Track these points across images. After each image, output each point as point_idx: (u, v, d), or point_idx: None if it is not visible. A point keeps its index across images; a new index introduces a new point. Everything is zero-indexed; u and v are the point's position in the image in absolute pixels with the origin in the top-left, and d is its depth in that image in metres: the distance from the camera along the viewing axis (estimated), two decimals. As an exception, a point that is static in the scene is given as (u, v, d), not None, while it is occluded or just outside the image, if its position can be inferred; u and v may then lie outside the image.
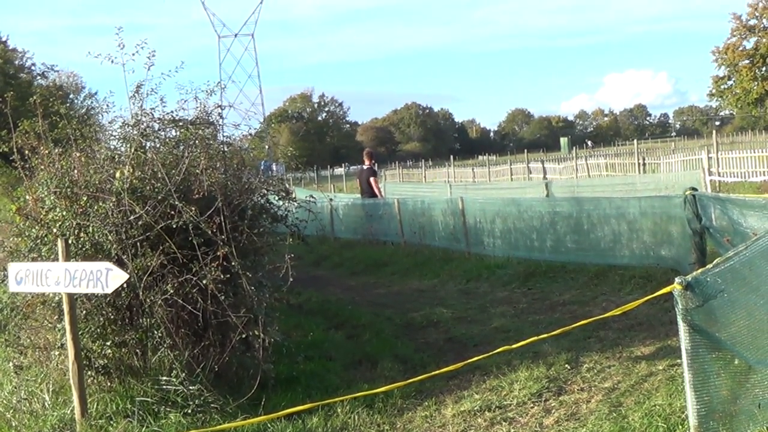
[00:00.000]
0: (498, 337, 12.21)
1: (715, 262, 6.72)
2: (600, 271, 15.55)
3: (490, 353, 8.52)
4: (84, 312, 9.62)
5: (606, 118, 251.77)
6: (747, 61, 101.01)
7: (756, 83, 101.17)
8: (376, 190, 27.02)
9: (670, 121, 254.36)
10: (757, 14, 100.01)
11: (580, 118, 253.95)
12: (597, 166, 52.95)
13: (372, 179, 27.03)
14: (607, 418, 8.12)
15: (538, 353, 10.70)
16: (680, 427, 7.26)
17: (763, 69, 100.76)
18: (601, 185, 34.84)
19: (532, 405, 9.06)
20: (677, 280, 6.45)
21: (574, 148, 79.10)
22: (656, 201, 16.20)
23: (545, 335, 8.53)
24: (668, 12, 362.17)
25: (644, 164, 46.55)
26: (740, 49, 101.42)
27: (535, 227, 18.60)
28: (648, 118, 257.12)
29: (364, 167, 28.14)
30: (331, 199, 28.33)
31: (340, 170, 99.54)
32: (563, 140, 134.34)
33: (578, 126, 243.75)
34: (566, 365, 10.22)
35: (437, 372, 8.83)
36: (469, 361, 8.55)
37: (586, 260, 16.40)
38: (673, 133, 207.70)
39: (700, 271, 6.81)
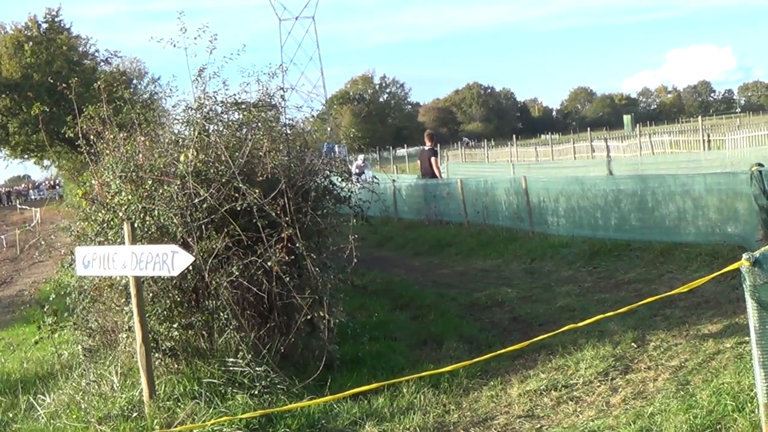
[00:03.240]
0: (563, 316, 12.16)
1: (783, 237, 6.64)
2: (665, 249, 15.39)
3: (556, 332, 8.46)
4: (151, 295, 9.72)
5: (669, 95, 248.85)
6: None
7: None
8: (436, 171, 27.12)
9: (734, 97, 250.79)
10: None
11: (643, 95, 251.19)
12: (661, 144, 52.38)
13: (433, 160, 27.13)
14: (675, 396, 8.05)
15: (604, 332, 10.64)
16: (749, 405, 7.17)
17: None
18: (665, 162, 34.56)
19: (598, 384, 9.02)
20: (745, 256, 6.37)
21: (637, 125, 78.21)
22: (722, 177, 16.02)
23: (611, 313, 8.46)
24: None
25: (709, 141, 45.96)
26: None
27: (599, 205, 18.50)
28: (712, 95, 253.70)
29: (425, 148, 28.28)
30: (394, 180, 28.44)
31: (402, 151, 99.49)
32: (626, 118, 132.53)
33: (641, 103, 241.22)
34: (632, 344, 10.15)
35: (502, 351, 8.77)
36: (535, 340, 8.50)
37: (651, 238, 16.26)
38: (738, 109, 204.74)
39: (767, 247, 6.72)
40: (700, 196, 15.58)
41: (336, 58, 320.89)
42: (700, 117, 65.99)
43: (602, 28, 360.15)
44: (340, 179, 11.75)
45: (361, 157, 38.26)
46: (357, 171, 32.67)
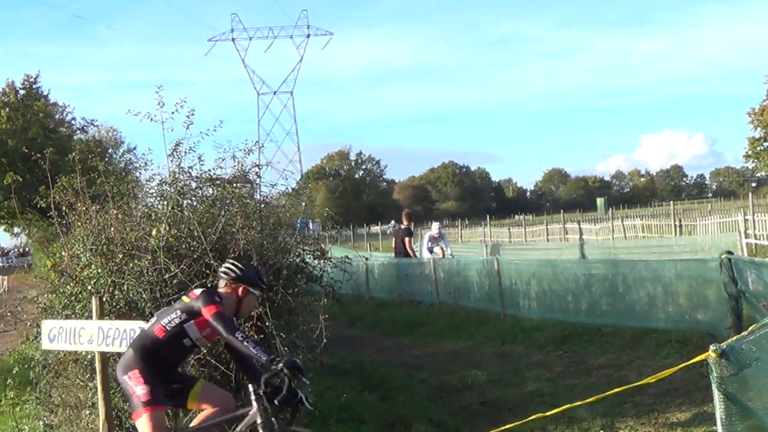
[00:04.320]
0: (533, 401, 12.11)
1: (750, 329, 6.64)
2: (636, 335, 15.40)
3: (524, 420, 8.43)
4: (116, 371, 9.63)
5: (642, 179, 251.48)
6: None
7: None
8: (409, 250, 27.16)
9: (706, 182, 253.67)
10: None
11: (616, 178, 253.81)
12: (633, 227, 52.60)
13: (407, 239, 27.17)
14: (643, 486, 8.01)
15: (573, 418, 10.60)
16: (716, 496, 7.13)
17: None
18: (637, 247, 34.79)
19: (567, 472, 8.97)
20: (712, 347, 6.38)
21: (610, 208, 78.80)
22: (692, 264, 16.11)
23: (580, 402, 8.44)
24: (704, 73, 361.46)
25: (680, 226, 46.29)
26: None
27: (571, 289, 18.50)
28: (684, 179, 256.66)
29: (402, 227, 28.39)
30: (366, 259, 28.35)
31: (376, 228, 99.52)
32: (599, 200, 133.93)
33: (615, 186, 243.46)
34: (601, 431, 10.10)
35: (471, 438, 8.74)
36: (504, 428, 8.46)
37: (621, 323, 16.26)
38: (710, 194, 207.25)
39: (735, 338, 6.74)
40: (670, 282, 15.63)
41: (313, 133, 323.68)
42: (672, 202, 66.55)
43: (577, 111, 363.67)
44: (312, 257, 11.73)
45: (435, 225, 30.94)
46: (430, 245, 28.67)
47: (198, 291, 7.92)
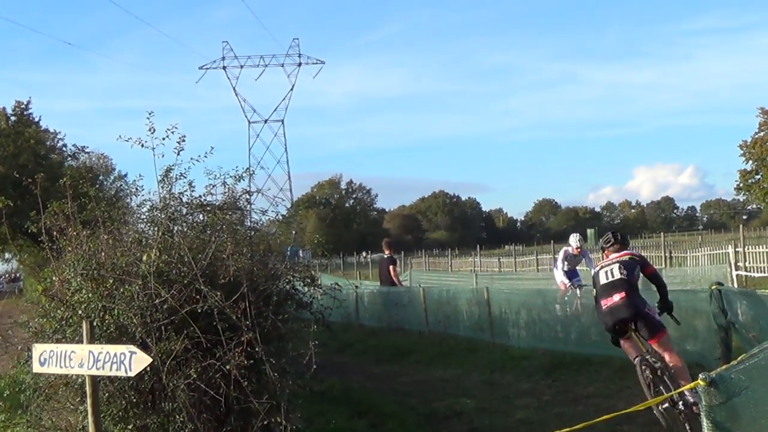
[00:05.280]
0: (521, 429, 12.13)
1: (739, 358, 6.67)
2: (625, 365, 15.33)
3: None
4: (106, 395, 9.62)
5: (633, 210, 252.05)
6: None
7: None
8: (394, 279, 27.13)
9: (697, 215, 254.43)
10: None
11: (607, 209, 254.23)
12: (624, 259, 52.58)
13: (390, 268, 27.19)
14: None
15: (561, 446, 10.59)
16: None
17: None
18: (627, 277, 34.64)
19: (554, 500, 8.95)
20: (701, 376, 6.40)
21: (600, 239, 78.86)
22: (682, 295, 16.11)
23: (568, 429, 8.45)
24: (695, 106, 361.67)
25: (671, 257, 46.37)
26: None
27: (560, 318, 18.53)
28: (675, 211, 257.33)
29: (384, 256, 28.47)
30: (356, 287, 28.36)
31: (366, 257, 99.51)
32: (590, 231, 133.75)
33: (605, 217, 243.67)
34: (590, 459, 10.10)
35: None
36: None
37: (611, 353, 16.19)
38: (700, 227, 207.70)
39: (724, 367, 6.76)
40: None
41: (303, 162, 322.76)
42: (662, 233, 66.63)
43: (568, 142, 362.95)
44: (302, 284, 11.74)
45: (574, 238, 22.68)
46: (568, 266, 22.22)
47: (633, 252, 12.24)
